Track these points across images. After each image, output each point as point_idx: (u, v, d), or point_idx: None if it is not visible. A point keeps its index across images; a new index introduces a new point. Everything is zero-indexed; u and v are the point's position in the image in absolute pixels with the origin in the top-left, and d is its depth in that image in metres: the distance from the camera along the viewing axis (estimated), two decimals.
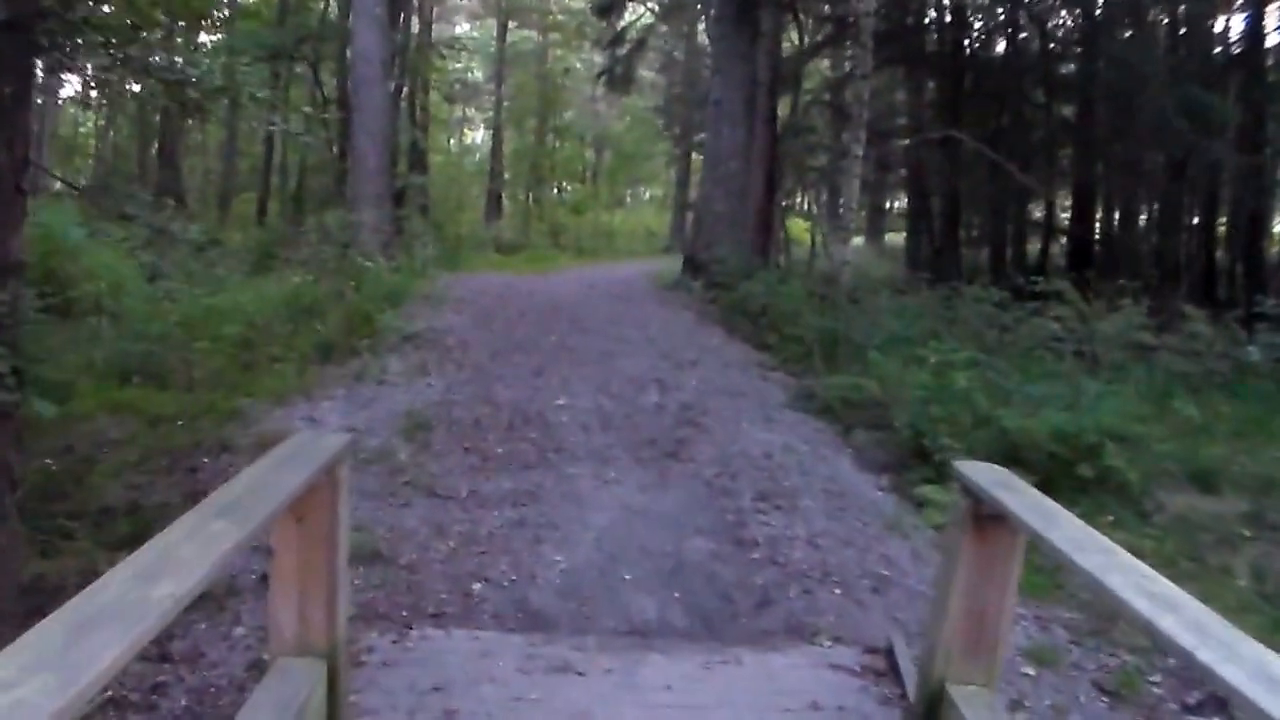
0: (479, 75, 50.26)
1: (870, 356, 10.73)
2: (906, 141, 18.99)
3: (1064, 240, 25.19)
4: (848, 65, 24.28)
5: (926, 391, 9.39)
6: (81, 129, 49.67)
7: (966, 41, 24.02)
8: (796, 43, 23.47)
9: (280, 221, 21.67)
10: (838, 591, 5.80)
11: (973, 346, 11.54)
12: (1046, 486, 4.35)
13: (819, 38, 22.89)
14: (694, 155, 41.12)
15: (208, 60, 12.59)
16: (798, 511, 7.12)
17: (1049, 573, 6.01)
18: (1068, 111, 23.73)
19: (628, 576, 5.86)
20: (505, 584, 5.70)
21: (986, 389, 9.35)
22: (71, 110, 49.12)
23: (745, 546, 6.42)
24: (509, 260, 29.09)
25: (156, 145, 34.05)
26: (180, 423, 8.58)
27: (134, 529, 5.94)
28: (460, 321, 13.45)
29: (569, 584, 5.73)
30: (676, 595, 5.67)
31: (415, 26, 30.02)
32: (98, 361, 9.89)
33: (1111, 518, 7.22)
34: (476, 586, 5.64)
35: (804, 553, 6.34)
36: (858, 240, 36.39)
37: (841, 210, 14.92)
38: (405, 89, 26.43)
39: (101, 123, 45.78)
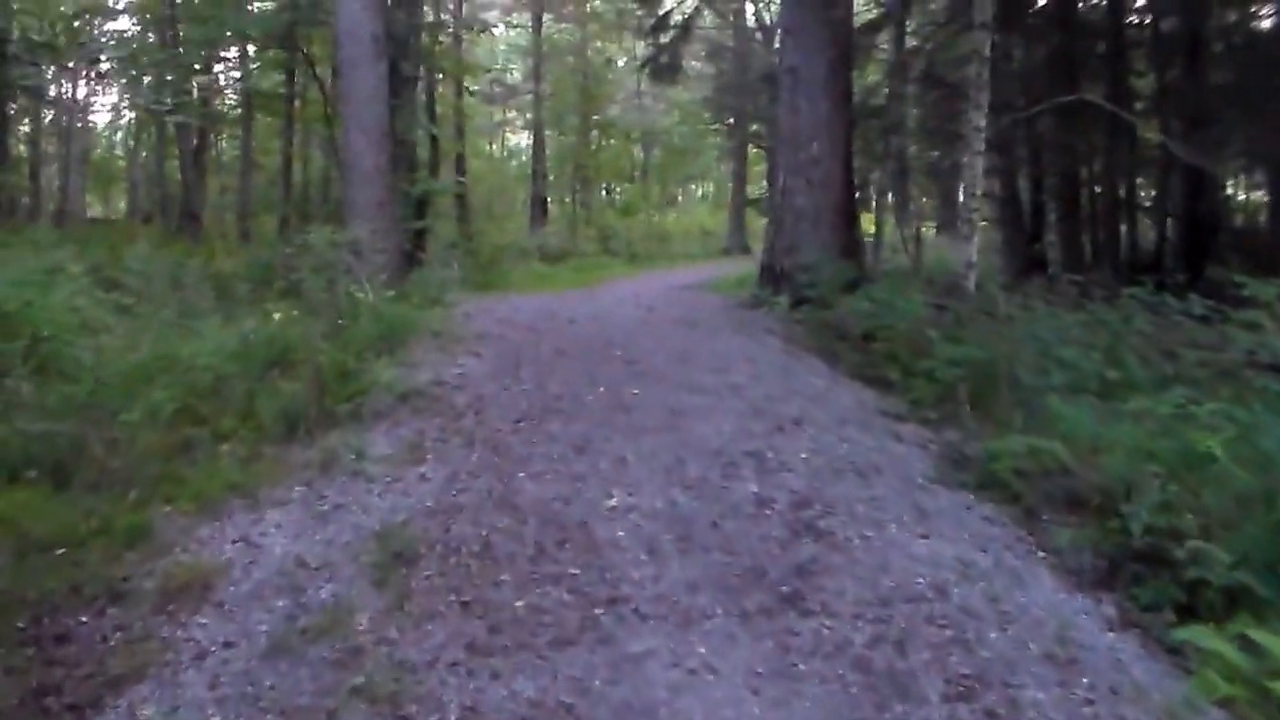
0: (518, 75, 48.02)
1: (1050, 405, 7.57)
2: (1016, 116, 15.26)
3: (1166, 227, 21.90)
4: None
5: (1154, 462, 6.28)
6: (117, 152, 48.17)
7: None
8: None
9: (279, 242, 18.64)
10: None
11: (1154, 374, 8.55)
12: None
13: None
14: (750, 148, 38.49)
15: None
16: (1017, 710, 4.26)
17: None
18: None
19: None
20: None
21: (1238, 449, 6.23)
22: (105, 135, 47.78)
23: None
24: (554, 271, 26.33)
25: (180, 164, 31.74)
26: (62, 550, 5.68)
27: None
28: (478, 369, 10.30)
29: None
30: None
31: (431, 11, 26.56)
32: None
33: None
34: None
35: None
36: (929, 233, 33.38)
37: (962, 200, 11.71)
38: (420, 80, 23.11)
39: (131, 143, 44.05)
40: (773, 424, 8.20)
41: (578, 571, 5.46)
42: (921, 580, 5.41)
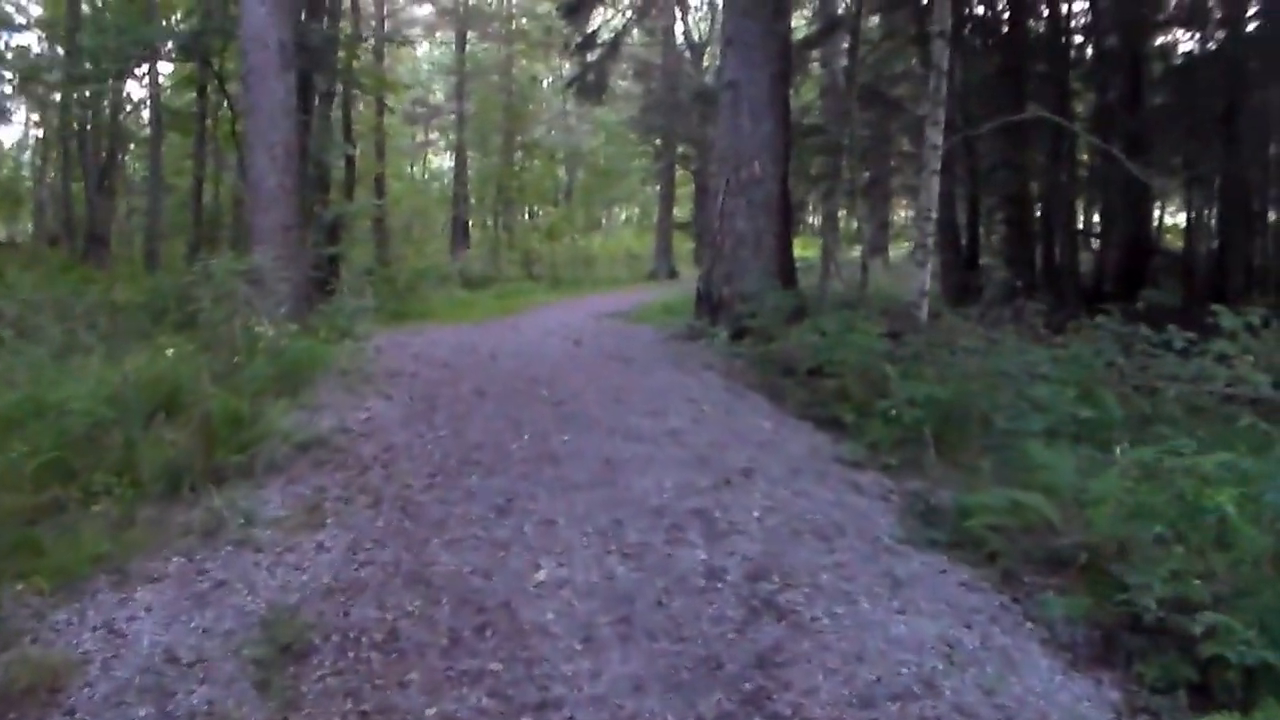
0: (440, 95, 47.16)
1: (1030, 451, 6.77)
2: (966, 133, 14.45)
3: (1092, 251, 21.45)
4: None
5: (1151, 518, 5.53)
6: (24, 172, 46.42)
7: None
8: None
9: (183, 269, 17.45)
10: None
11: (1131, 412, 7.84)
12: None
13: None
14: (677, 170, 37.87)
15: None
16: None
17: None
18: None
19: None
20: None
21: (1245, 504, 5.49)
22: (11, 154, 46.08)
23: None
24: (476, 297, 25.31)
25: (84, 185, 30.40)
26: None
27: None
28: (388, 413, 9.29)
29: None
30: None
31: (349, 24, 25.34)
32: None
33: None
34: None
35: None
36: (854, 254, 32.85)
37: (920, 221, 10.94)
38: (335, 96, 21.95)
39: (38, 163, 42.47)
40: (719, 476, 7.32)
41: (499, 667, 4.57)
42: (905, 670, 4.62)
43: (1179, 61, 21.18)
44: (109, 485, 6.68)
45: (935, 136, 10.58)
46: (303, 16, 18.64)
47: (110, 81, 26.66)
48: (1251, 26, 18.33)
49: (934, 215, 10.86)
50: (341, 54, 22.20)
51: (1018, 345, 9.00)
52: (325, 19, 19.86)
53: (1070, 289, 17.93)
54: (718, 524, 6.34)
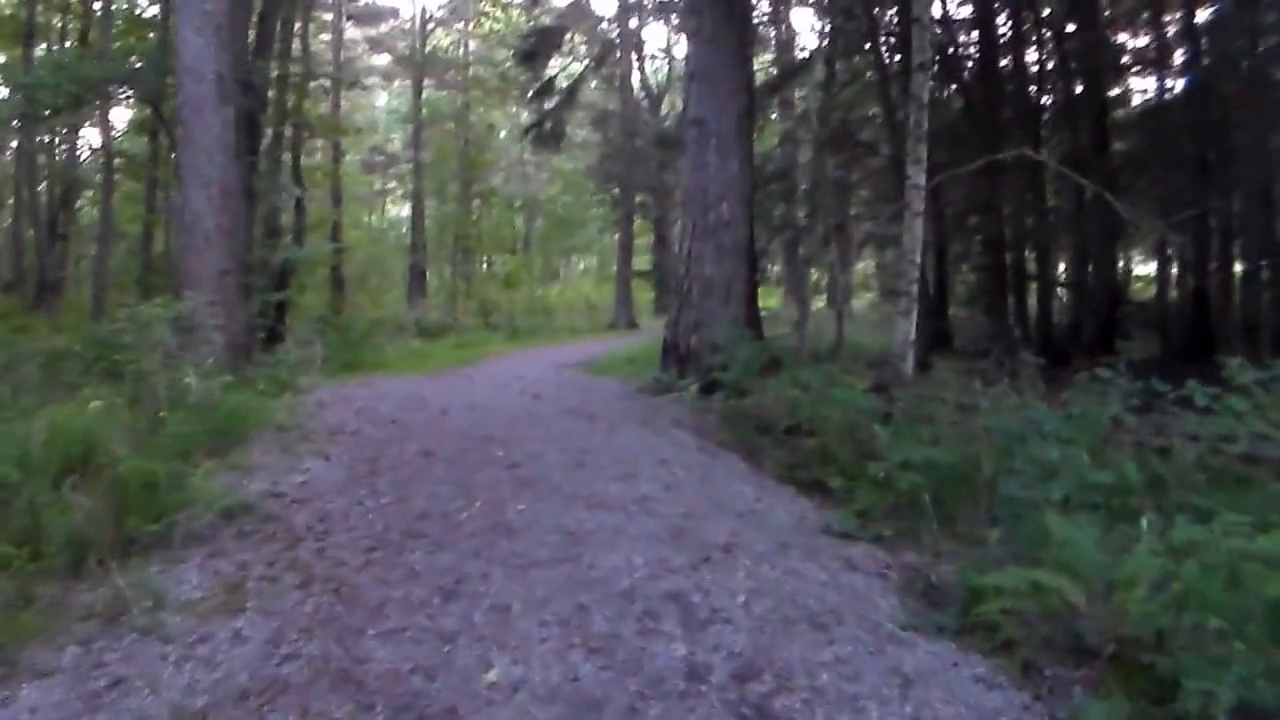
0: (398, 143, 46.56)
1: (1048, 523, 6.00)
2: (947, 174, 13.59)
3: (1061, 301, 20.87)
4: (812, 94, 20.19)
5: (1200, 607, 4.81)
6: None
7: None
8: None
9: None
10: None
11: (1148, 475, 7.01)
12: None
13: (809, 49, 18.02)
14: (636, 218, 37.38)
15: None
16: None
17: None
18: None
19: None
20: None
21: None
22: None
23: None
24: (431, 347, 24.51)
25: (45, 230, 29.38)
26: None
27: None
28: (326, 476, 8.39)
29: None
30: None
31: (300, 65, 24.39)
32: None
33: None
34: None
35: None
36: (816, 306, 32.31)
37: (904, 266, 10.18)
38: (284, 137, 21.09)
39: None
40: (697, 552, 6.48)
41: None
42: None
43: (1145, 105, 20.84)
44: (7, 558, 5.79)
45: (918, 175, 9.88)
46: (249, 57, 17.87)
47: (59, 125, 25.77)
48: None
49: (918, 260, 10.12)
50: (291, 96, 21.45)
51: (1018, 401, 8.19)
52: (274, 59, 19.02)
53: (1042, 340, 17.29)
54: (698, 610, 5.52)
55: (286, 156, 21.75)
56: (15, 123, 22.90)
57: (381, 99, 52.71)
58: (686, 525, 7.05)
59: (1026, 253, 19.27)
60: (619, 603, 5.58)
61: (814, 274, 38.35)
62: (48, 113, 20.47)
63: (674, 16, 36.30)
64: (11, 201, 35.49)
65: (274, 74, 18.95)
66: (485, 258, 45.78)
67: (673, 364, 13.50)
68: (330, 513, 7.23)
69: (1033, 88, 19.98)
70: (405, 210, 48.25)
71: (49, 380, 11.40)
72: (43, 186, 30.97)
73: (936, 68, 18.13)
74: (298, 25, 24.39)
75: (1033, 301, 19.90)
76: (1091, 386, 8.37)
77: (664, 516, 7.24)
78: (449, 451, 9.33)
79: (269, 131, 18.95)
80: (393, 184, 50.33)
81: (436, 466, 8.72)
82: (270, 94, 19.22)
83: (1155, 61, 20.70)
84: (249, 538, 6.68)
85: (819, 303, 34.46)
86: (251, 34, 17.97)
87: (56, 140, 31.57)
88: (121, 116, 31.44)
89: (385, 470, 8.55)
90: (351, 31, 40.75)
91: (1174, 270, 29.69)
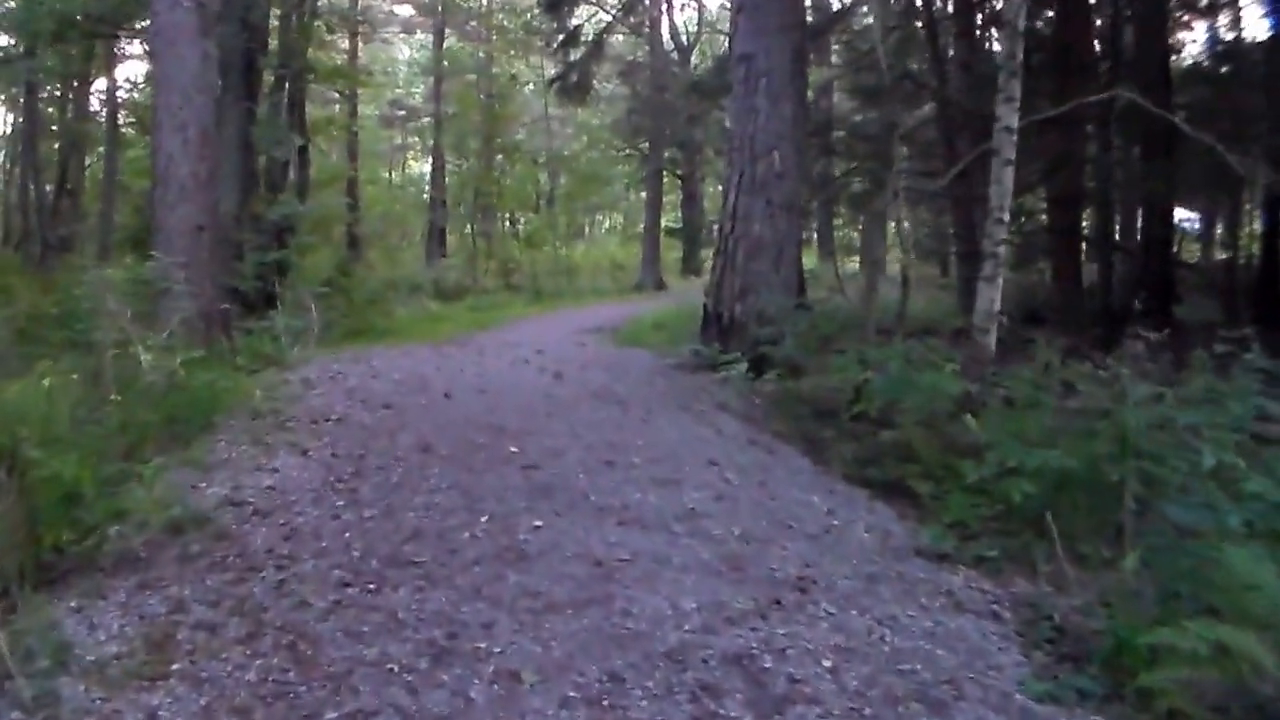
0: (419, 98, 45.10)
1: (1229, 560, 4.53)
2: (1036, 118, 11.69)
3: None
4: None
5: None
6: None
7: None
8: None
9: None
10: None
11: None
12: None
13: None
14: (665, 175, 35.97)
15: None
16: None
17: None
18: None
19: None
20: None
21: None
22: None
23: None
24: (448, 310, 23.14)
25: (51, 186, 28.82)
26: None
27: None
28: (300, 478, 6.86)
29: None
30: None
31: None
32: None
33: None
34: None
35: None
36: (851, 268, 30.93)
37: (991, 225, 8.62)
38: (286, 82, 19.41)
39: (9, 165, 40.22)
40: (764, 591, 5.02)
41: None
42: None
43: (1215, 53, 19.20)
44: None
45: (1010, 117, 8.33)
46: None
47: (41, 69, 24.42)
48: None
49: (1006, 217, 8.58)
50: (296, 35, 19.90)
51: (1142, 388, 6.60)
52: None
53: (1102, 307, 15.75)
54: (772, 682, 4.09)
55: (284, 102, 20.06)
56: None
57: (404, 52, 51.26)
58: (746, 552, 5.56)
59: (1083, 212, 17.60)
60: (665, 669, 4.16)
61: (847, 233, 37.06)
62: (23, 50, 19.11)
63: None
64: (19, 156, 34.44)
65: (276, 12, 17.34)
66: (507, 216, 44.31)
67: (714, 336, 11.82)
68: (298, 529, 5.76)
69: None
70: (426, 167, 46.74)
71: (16, 348, 10.06)
72: (58, 144, 29.95)
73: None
74: None
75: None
76: (1204, 364, 6.81)
77: (717, 539, 5.74)
78: (451, 446, 7.76)
79: (270, 77, 17.33)
80: (414, 139, 48.88)
81: (435, 467, 7.14)
82: (274, 36, 17.69)
83: (1223, 6, 19.07)
84: (193, 563, 5.27)
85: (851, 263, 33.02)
86: None
87: (69, 95, 30.32)
88: (137, 69, 30.35)
89: (372, 471, 7.02)
90: None
91: (1218, 230, 28.14)
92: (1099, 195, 16.57)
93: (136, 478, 6.17)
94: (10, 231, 35.24)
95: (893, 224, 14.14)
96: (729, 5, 19.41)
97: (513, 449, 7.58)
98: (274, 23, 18.65)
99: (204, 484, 6.49)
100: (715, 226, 31.52)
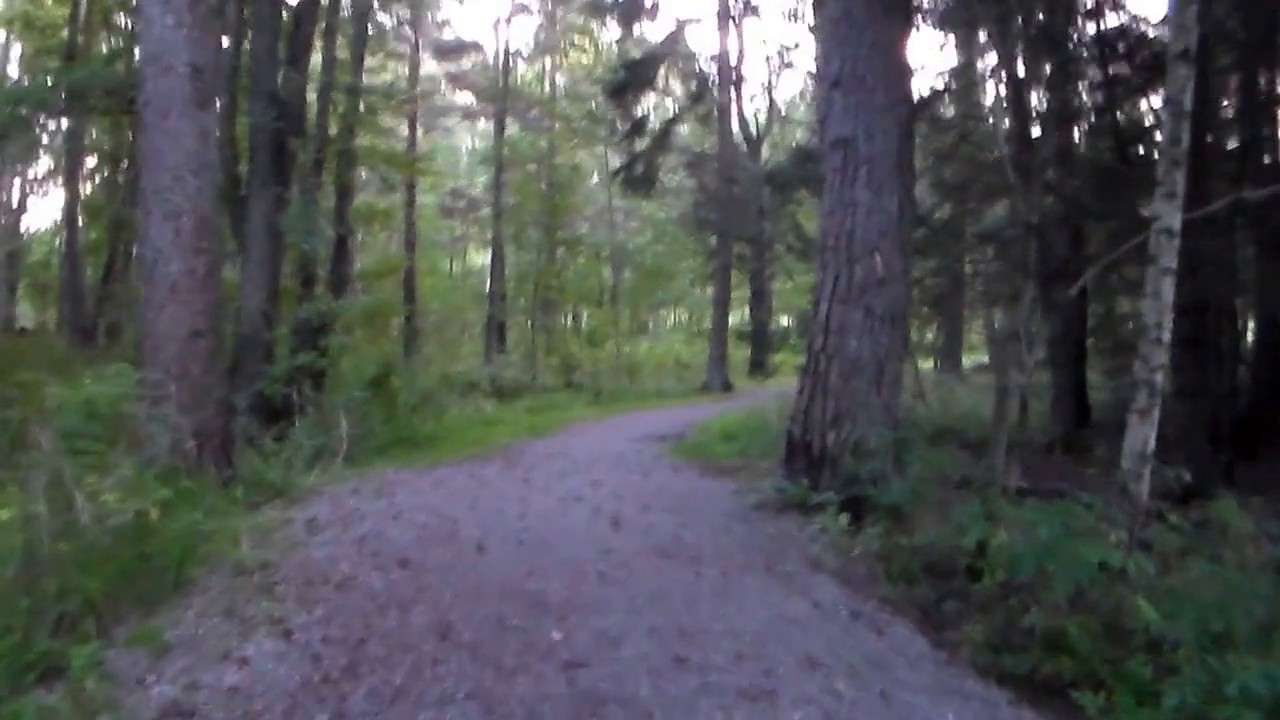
0: (480, 188, 44.29)
1: None
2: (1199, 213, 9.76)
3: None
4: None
5: None
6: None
7: None
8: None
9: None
10: None
11: None
12: None
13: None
14: (733, 270, 34.68)
15: None
16: None
17: None
18: None
19: None
20: None
21: None
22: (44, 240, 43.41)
23: None
24: (503, 412, 21.62)
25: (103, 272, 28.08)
26: None
27: None
28: (276, 674, 5.08)
29: None
30: None
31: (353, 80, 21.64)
32: None
33: None
34: None
35: None
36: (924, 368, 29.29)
37: (1148, 346, 6.91)
38: (321, 165, 17.99)
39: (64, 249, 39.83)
40: None
41: None
42: None
43: None
44: None
45: (1170, 216, 6.71)
46: (280, 66, 15.10)
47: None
48: None
49: (1165, 337, 6.91)
50: (335, 119, 18.65)
51: None
52: (301, 65, 16.08)
53: (1232, 426, 13.96)
54: None
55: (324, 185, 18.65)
56: None
57: (467, 142, 50.69)
58: None
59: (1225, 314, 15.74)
60: None
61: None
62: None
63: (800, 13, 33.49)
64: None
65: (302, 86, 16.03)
66: (569, 310, 43.17)
67: (800, 469, 9.71)
68: None
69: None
70: (486, 258, 45.78)
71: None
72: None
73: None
74: (351, 42, 21.52)
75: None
76: None
77: None
78: (477, 629, 5.85)
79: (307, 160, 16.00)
80: (474, 229, 48.00)
81: (452, 660, 5.32)
82: (302, 111, 16.40)
83: None
84: None
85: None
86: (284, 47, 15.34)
87: (116, 176, 29.53)
88: None
89: (371, 666, 5.21)
90: (431, 66, 38.64)
91: None
92: (1226, 302, 14.77)
93: (60, 669, 4.69)
94: (65, 317, 34.74)
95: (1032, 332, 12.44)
96: (813, 82, 18.00)
97: (555, 635, 5.73)
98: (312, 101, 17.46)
99: (152, 677, 4.93)
100: (781, 323, 30.11)
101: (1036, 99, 16.78)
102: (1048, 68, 15.67)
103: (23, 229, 39.95)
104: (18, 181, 37.60)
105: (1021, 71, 15.74)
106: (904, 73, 10.33)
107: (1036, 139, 15.44)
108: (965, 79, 18.80)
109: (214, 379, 9.02)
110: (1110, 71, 14.54)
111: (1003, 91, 17.57)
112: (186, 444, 8.17)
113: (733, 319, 37.42)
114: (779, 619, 5.95)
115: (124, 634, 5.36)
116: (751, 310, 39.29)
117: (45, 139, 31.21)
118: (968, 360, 36.02)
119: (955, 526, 6.93)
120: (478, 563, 7.14)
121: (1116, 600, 5.57)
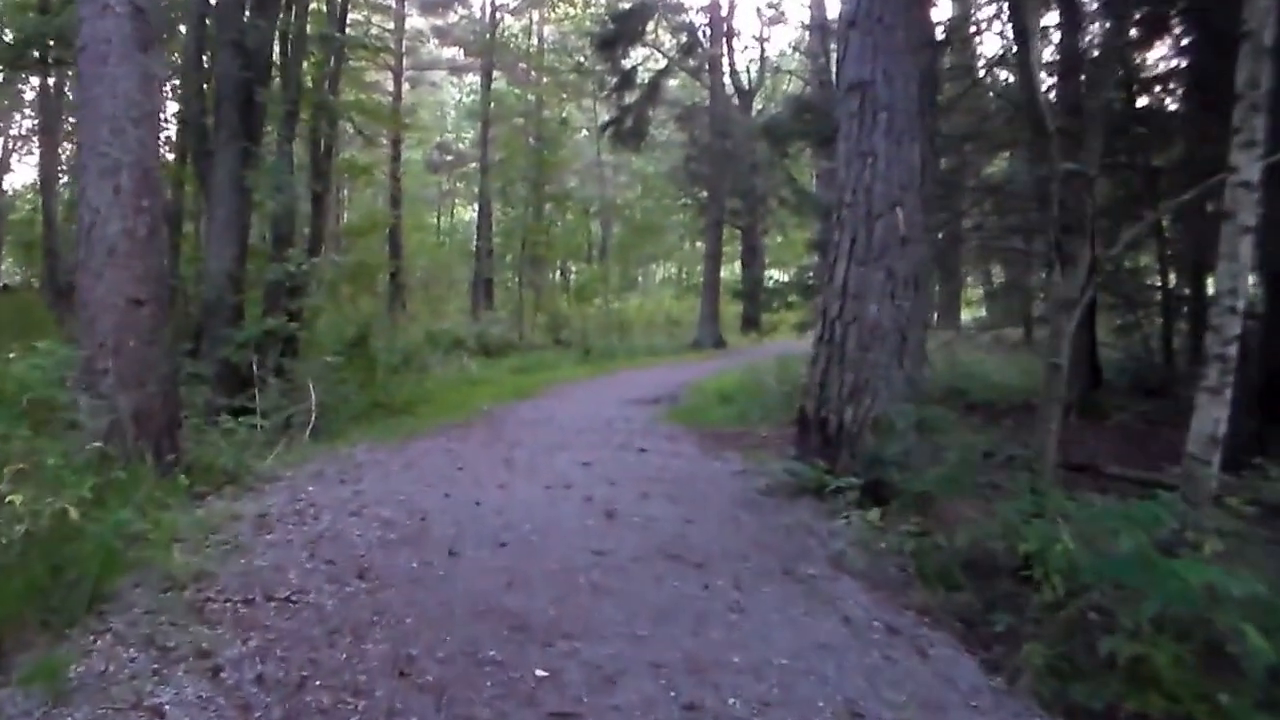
0: (468, 143, 43.47)
1: None
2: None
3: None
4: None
5: None
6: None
7: None
8: None
9: None
10: None
11: None
12: None
13: None
14: (724, 225, 33.90)
15: None
16: None
17: None
18: None
19: None
20: None
21: None
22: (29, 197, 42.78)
23: None
24: (489, 372, 20.93)
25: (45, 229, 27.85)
26: None
27: None
28: None
29: None
30: None
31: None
32: None
33: None
34: None
35: None
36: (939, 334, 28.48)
37: (1220, 316, 5.98)
38: (296, 118, 16.83)
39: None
40: None
41: None
42: None
43: None
44: None
45: (1249, 168, 5.81)
46: (244, 12, 14.09)
47: None
48: None
49: (1240, 305, 6.02)
50: (309, 69, 17.63)
51: None
52: (267, 11, 14.96)
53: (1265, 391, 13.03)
54: None
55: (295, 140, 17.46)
56: None
57: (453, 96, 49.66)
58: None
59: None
60: None
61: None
62: None
63: None
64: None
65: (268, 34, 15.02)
66: (557, 266, 42.28)
67: (814, 448, 8.74)
68: None
69: None
70: (474, 213, 44.81)
71: None
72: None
73: None
74: None
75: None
76: None
77: None
78: (443, 666, 4.70)
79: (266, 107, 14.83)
80: (460, 185, 47.08)
81: (413, 712, 4.19)
82: (270, 60, 15.39)
83: None
84: None
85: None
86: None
87: None
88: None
89: (314, 715, 4.17)
90: (418, 20, 37.63)
91: None
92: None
93: None
94: (52, 276, 34.15)
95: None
96: (806, 34, 16.98)
97: (539, 671, 4.59)
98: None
99: None
100: (774, 278, 29.16)
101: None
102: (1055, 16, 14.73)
103: (6, 186, 39.16)
104: (0, 140, 36.81)
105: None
106: (925, 12, 9.38)
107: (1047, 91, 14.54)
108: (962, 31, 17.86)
109: (157, 353, 7.94)
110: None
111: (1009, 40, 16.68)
112: (124, 427, 7.24)
113: (724, 275, 36.58)
114: (805, 645, 4.91)
115: (24, 666, 4.45)
116: (744, 266, 38.41)
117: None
118: (966, 315, 35.30)
119: (1003, 523, 6.00)
120: (449, 572, 6.00)
121: (1212, 623, 4.66)
